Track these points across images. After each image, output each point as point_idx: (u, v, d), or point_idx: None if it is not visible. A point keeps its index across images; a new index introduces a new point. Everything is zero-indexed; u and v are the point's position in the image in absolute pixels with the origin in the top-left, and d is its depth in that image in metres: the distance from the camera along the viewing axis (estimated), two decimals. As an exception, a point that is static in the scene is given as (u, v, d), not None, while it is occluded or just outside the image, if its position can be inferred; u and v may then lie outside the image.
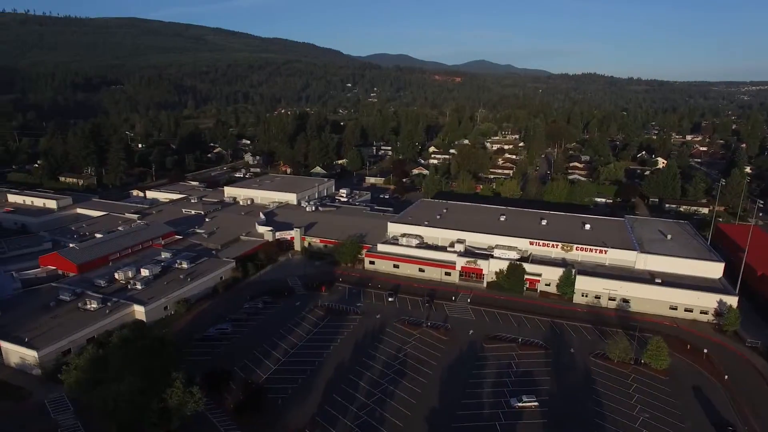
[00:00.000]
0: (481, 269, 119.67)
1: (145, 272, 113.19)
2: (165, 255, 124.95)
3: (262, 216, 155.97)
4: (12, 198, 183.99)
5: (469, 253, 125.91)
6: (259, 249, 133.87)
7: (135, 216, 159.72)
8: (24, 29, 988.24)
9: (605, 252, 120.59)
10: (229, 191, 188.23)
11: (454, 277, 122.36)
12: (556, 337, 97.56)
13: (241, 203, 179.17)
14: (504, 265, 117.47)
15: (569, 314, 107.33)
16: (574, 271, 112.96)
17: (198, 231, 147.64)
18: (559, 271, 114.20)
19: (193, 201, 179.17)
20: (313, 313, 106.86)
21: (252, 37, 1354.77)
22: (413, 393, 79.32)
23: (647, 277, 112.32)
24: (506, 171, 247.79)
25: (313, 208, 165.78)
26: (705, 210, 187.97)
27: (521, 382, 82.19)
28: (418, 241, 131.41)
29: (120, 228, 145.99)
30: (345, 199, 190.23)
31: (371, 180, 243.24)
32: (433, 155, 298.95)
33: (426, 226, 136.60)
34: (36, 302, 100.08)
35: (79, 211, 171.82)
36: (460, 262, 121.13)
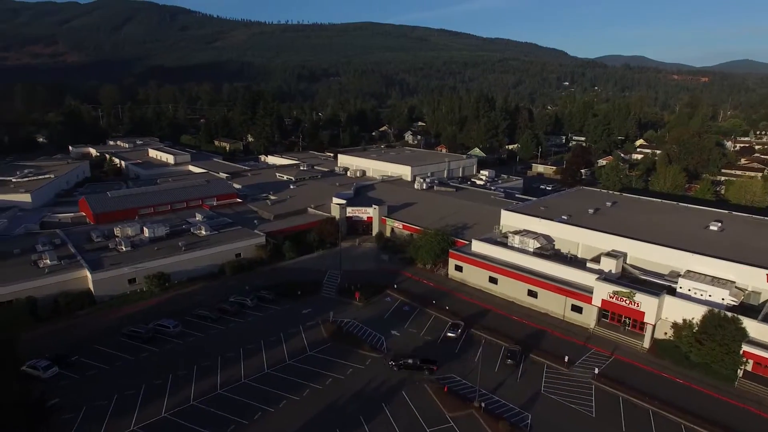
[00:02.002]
0: (643, 312, 60.76)
1: (147, 232, 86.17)
2: (198, 217, 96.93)
3: (352, 189, 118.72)
4: (151, 153, 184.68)
5: (625, 277, 67.20)
6: (314, 226, 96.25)
7: (224, 176, 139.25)
8: (283, 36, 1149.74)
9: None
10: (343, 160, 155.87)
11: (588, 317, 65.85)
12: None
13: (349, 174, 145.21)
14: (698, 313, 57.41)
15: None
16: None
17: (271, 197, 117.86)
18: (836, 351, 49.55)
19: (302, 168, 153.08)
20: (314, 331, 64.78)
21: (474, 37, 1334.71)
22: None
23: None
24: (751, 173, 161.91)
25: (424, 187, 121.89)
26: None
27: None
28: (541, 245, 77.20)
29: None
30: (482, 183, 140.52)
31: (539, 168, 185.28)
32: (639, 149, 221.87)
33: (563, 222, 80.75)
34: (12, 247, 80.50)
35: (190, 167, 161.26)
36: (602, 291, 63.88)
